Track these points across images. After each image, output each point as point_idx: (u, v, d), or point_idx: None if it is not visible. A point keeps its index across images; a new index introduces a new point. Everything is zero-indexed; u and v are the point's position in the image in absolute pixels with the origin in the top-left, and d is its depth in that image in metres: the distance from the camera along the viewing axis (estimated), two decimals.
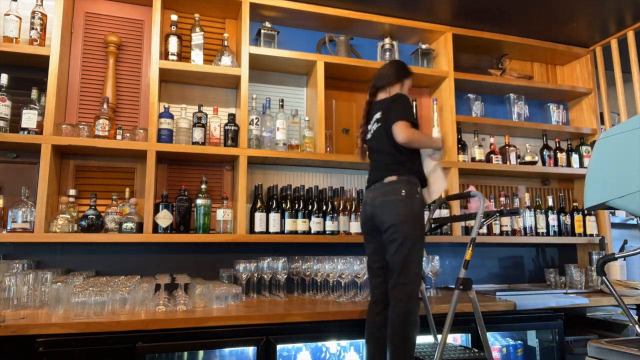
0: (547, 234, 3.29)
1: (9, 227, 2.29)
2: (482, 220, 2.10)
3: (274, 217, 2.67)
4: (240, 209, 2.58)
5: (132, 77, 2.75)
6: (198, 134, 2.63)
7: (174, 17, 2.68)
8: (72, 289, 1.92)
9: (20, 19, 2.44)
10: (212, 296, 2.15)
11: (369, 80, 3.16)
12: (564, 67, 3.80)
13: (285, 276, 2.48)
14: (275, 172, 2.94)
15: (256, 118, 2.76)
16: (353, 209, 2.83)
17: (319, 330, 2.11)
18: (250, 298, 2.47)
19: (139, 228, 2.44)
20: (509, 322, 2.49)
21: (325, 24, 3.07)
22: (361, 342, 2.28)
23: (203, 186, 2.63)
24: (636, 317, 2.49)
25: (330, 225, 2.75)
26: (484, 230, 3.13)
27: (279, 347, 2.05)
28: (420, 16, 3.09)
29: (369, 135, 2.20)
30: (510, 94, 3.48)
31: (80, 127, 2.45)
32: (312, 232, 2.72)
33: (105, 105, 2.53)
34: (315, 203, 2.79)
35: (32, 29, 2.43)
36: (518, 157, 3.34)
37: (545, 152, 3.44)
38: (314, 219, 2.73)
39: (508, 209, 2.59)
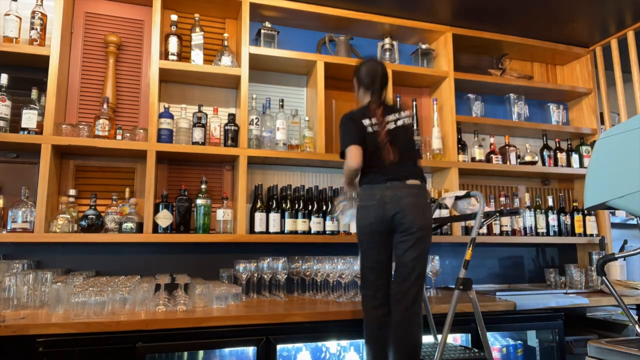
0: (547, 234, 3.29)
1: (9, 227, 2.29)
2: (482, 220, 2.10)
3: (274, 217, 2.67)
4: (240, 209, 2.58)
5: (132, 77, 2.75)
6: (198, 134, 2.63)
7: (174, 17, 2.68)
8: (72, 289, 1.92)
9: (20, 19, 2.44)
10: (212, 296, 2.15)
11: None
12: (564, 67, 3.80)
13: (285, 276, 2.48)
14: (275, 172, 2.94)
15: (256, 118, 2.76)
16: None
17: (319, 330, 2.11)
18: (250, 298, 2.47)
19: (139, 228, 2.44)
20: (509, 322, 2.49)
21: (325, 24, 3.07)
22: (361, 342, 2.28)
23: (203, 186, 2.63)
24: (636, 317, 2.49)
25: (330, 225, 2.75)
26: (484, 230, 3.13)
27: (279, 347, 2.05)
28: (420, 16, 3.09)
29: (390, 126, 2.07)
30: (510, 94, 3.48)
31: (80, 127, 2.45)
32: (312, 232, 2.72)
33: (105, 105, 2.53)
34: (315, 203, 2.79)
35: (32, 29, 2.43)
36: (518, 157, 3.34)
37: (545, 152, 3.44)
38: (314, 219, 2.73)
39: (508, 209, 2.60)
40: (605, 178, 1.61)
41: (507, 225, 3.19)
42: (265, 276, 2.47)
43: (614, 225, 3.56)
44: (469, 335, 2.42)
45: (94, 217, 2.40)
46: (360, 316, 2.08)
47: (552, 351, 2.59)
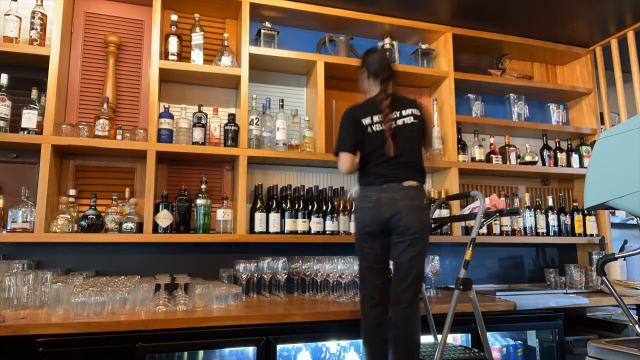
0: (547, 234, 3.29)
1: (9, 227, 2.28)
2: (482, 220, 2.10)
3: (274, 217, 2.67)
4: (240, 209, 2.58)
5: (132, 77, 2.75)
6: (198, 134, 2.63)
7: (174, 17, 2.68)
8: (72, 289, 1.92)
9: (20, 19, 2.44)
10: (212, 296, 2.15)
11: None
12: (564, 67, 3.80)
13: (285, 276, 2.48)
14: (275, 172, 2.94)
15: (256, 118, 2.76)
16: (353, 209, 2.83)
17: (319, 330, 2.11)
18: (250, 298, 2.47)
19: (139, 228, 2.44)
20: (509, 322, 2.49)
21: (325, 24, 3.07)
22: (361, 342, 2.28)
23: (203, 186, 2.63)
24: (636, 317, 2.49)
25: (330, 225, 2.75)
26: (484, 230, 3.13)
27: (279, 347, 2.05)
28: (420, 16, 3.09)
29: (399, 122, 2.05)
30: (510, 94, 3.48)
31: (80, 127, 2.45)
32: (312, 232, 2.72)
33: (105, 105, 2.53)
34: (315, 203, 2.79)
35: (32, 29, 2.43)
36: (518, 157, 3.34)
37: (545, 152, 3.44)
38: (314, 219, 2.73)
39: (508, 209, 2.61)
40: (605, 178, 1.61)
41: (507, 225, 3.19)
42: (265, 276, 2.47)
43: (614, 225, 3.56)
44: (469, 335, 2.42)
45: (94, 217, 2.40)
46: (355, 317, 2.08)
47: (552, 351, 2.59)
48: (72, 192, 2.47)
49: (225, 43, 2.79)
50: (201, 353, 2.18)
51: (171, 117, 2.60)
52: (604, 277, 1.73)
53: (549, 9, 3.03)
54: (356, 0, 2.90)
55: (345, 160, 2.05)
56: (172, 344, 1.90)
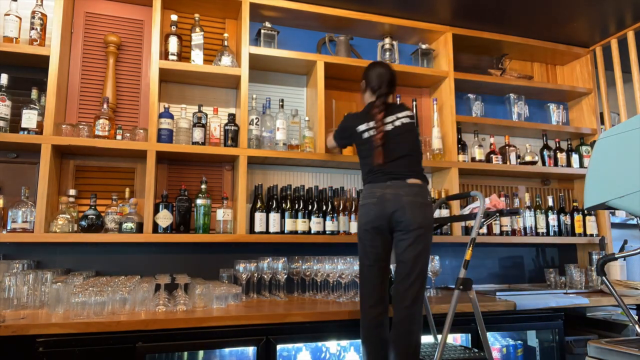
0: (547, 234, 3.29)
1: (9, 227, 2.28)
2: (482, 220, 2.10)
3: (274, 217, 2.67)
4: (240, 209, 2.58)
5: (132, 77, 2.75)
6: (198, 134, 2.63)
7: (174, 17, 2.68)
8: (72, 289, 1.92)
9: (20, 19, 2.44)
10: (212, 296, 2.15)
11: None
12: (564, 67, 3.80)
13: (285, 276, 2.48)
14: (275, 172, 2.94)
15: (256, 118, 2.76)
16: (353, 209, 2.83)
17: (319, 330, 2.11)
18: (250, 298, 2.47)
19: (139, 228, 2.44)
20: (509, 322, 2.49)
21: (325, 24, 3.07)
22: (360, 341, 2.28)
23: (203, 186, 2.63)
24: (636, 317, 2.49)
25: (330, 225, 2.75)
26: (484, 230, 3.13)
27: (279, 347, 2.05)
28: (420, 16, 3.09)
29: (388, 128, 2.11)
30: (510, 94, 3.48)
31: (80, 127, 2.45)
32: (312, 232, 2.72)
33: (105, 105, 2.53)
34: (315, 203, 2.78)
35: (32, 29, 2.43)
36: (518, 157, 3.34)
37: (545, 152, 3.44)
38: (314, 219, 2.73)
39: (508, 209, 2.61)
40: (605, 178, 1.61)
41: (507, 225, 3.19)
42: (265, 276, 2.47)
43: (614, 225, 3.56)
44: (469, 335, 2.42)
45: (94, 217, 2.40)
46: (355, 317, 2.08)
47: (552, 351, 2.59)
48: (72, 192, 2.47)
49: (225, 43, 2.79)
50: (201, 353, 2.18)
51: (171, 117, 2.60)
52: (604, 277, 1.73)
53: (549, 9, 3.03)
54: (356, 0, 2.90)
55: (331, 144, 2.51)
56: (172, 344, 1.90)
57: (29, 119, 2.34)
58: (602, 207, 1.63)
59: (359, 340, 2.06)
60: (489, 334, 2.45)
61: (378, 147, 2.07)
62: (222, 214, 2.60)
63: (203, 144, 2.63)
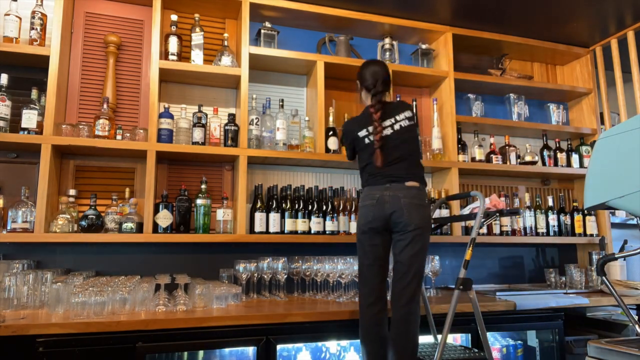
0: (547, 234, 3.29)
1: (9, 227, 2.29)
2: (482, 220, 2.10)
3: (274, 217, 2.67)
4: (240, 209, 2.58)
5: (132, 77, 2.75)
6: (198, 134, 2.63)
7: (174, 17, 2.68)
8: (72, 289, 1.92)
9: (20, 19, 2.44)
10: (212, 296, 2.15)
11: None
12: (564, 67, 3.80)
13: (285, 276, 2.48)
14: (275, 172, 2.94)
15: (256, 118, 2.76)
16: (353, 209, 2.83)
17: (319, 330, 2.11)
18: (250, 298, 2.47)
19: (139, 228, 2.44)
20: (509, 322, 2.49)
21: (325, 24, 3.07)
22: (359, 341, 2.28)
23: (203, 186, 2.63)
24: (636, 317, 2.49)
25: (330, 225, 2.75)
26: (484, 230, 3.13)
27: (279, 347, 2.05)
28: (420, 16, 3.09)
29: (387, 132, 2.09)
30: (510, 94, 3.48)
31: (80, 127, 2.45)
32: (312, 232, 2.72)
33: (105, 105, 2.53)
34: (315, 203, 2.78)
35: (32, 29, 2.43)
36: (518, 157, 3.34)
37: (545, 152, 3.44)
38: (314, 219, 2.73)
39: (508, 209, 2.60)
40: (605, 178, 1.61)
41: (507, 225, 3.20)
42: (265, 276, 2.47)
43: (614, 225, 3.56)
44: (469, 335, 2.42)
45: (94, 217, 2.40)
46: (356, 316, 2.08)
47: (552, 351, 2.59)
48: (72, 192, 2.47)
49: (225, 43, 2.79)
50: (201, 353, 2.18)
51: (171, 117, 2.60)
52: (604, 277, 1.73)
53: (549, 9, 3.03)
54: (356, 0, 2.90)
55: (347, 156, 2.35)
56: (172, 344, 1.90)
57: (29, 119, 2.34)
58: (602, 207, 1.63)
59: (359, 340, 2.06)
60: (489, 334, 2.45)
61: (377, 150, 2.07)
62: (222, 214, 2.60)
63: (203, 144, 2.63)
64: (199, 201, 2.58)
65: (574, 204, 3.49)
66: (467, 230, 3.06)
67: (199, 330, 1.93)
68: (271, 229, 2.66)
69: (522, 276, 3.41)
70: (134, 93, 2.74)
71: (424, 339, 2.27)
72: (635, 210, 1.51)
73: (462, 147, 3.16)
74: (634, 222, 3.59)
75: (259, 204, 2.69)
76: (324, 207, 2.80)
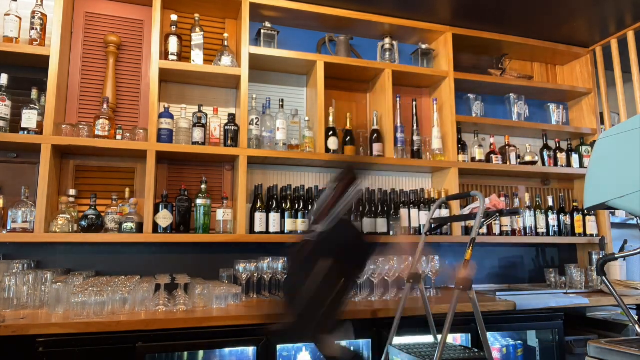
0: (547, 234, 3.29)
1: (9, 227, 2.29)
2: (482, 220, 2.10)
3: (274, 217, 2.67)
4: (240, 209, 2.58)
5: (132, 77, 2.75)
6: (198, 134, 2.63)
7: (174, 17, 2.68)
8: (72, 289, 1.92)
9: (20, 19, 2.44)
10: (212, 296, 2.15)
11: (369, 80, 3.20)
12: (564, 67, 3.80)
13: (286, 276, 2.47)
14: (275, 172, 2.94)
15: (256, 118, 2.76)
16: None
17: None
18: (250, 298, 2.47)
19: (139, 228, 2.44)
20: (509, 322, 2.49)
21: (325, 24, 3.07)
22: (361, 341, 2.28)
23: (203, 186, 2.63)
24: (636, 317, 2.49)
25: None
26: (484, 230, 3.13)
27: (279, 347, 2.05)
28: (420, 16, 3.09)
29: None
30: (510, 94, 3.48)
31: (80, 127, 2.45)
32: None
33: (105, 105, 2.53)
34: (315, 203, 2.78)
35: (32, 29, 2.43)
36: (518, 157, 3.34)
37: (545, 152, 3.44)
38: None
39: (508, 209, 2.58)
40: (605, 178, 1.61)
41: (507, 225, 3.19)
42: (265, 276, 2.47)
43: (614, 225, 3.56)
44: (469, 335, 2.42)
45: (94, 217, 2.40)
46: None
47: (552, 351, 2.59)
48: (72, 192, 2.47)
49: (225, 43, 2.79)
50: (201, 353, 2.17)
51: (171, 117, 2.60)
52: (604, 277, 1.73)
53: (549, 9, 3.03)
54: (356, 0, 2.90)
55: None
56: (172, 344, 1.90)
57: (29, 119, 2.34)
58: (602, 207, 1.63)
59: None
60: (489, 334, 2.45)
61: None
62: (222, 214, 2.60)
63: (203, 144, 2.63)
64: (199, 201, 2.58)
65: (574, 204, 3.49)
66: (467, 231, 3.06)
67: (199, 330, 1.93)
68: (271, 229, 2.66)
69: (522, 276, 3.41)
70: (134, 93, 2.74)
71: (424, 339, 2.27)
72: (635, 210, 1.51)
73: (462, 147, 3.16)
74: (634, 222, 3.59)
75: (259, 204, 2.69)
76: None
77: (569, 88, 3.55)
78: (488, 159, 3.27)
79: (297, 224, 2.71)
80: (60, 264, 2.46)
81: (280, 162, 2.87)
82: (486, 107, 3.47)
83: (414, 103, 3.23)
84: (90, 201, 2.44)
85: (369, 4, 2.94)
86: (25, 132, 2.33)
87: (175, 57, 2.62)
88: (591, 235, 3.35)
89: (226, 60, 2.72)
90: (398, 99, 3.15)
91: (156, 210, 2.48)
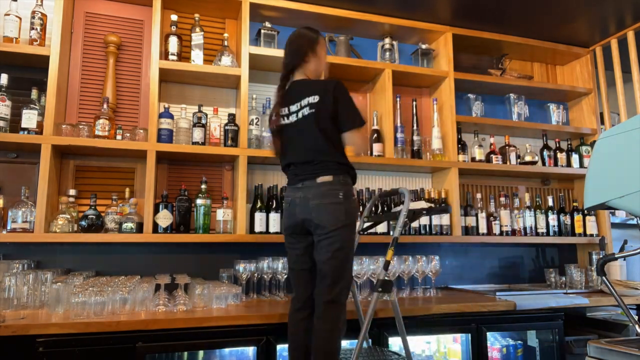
0: (547, 234, 3.29)
1: (9, 227, 2.29)
2: (406, 220, 1.94)
3: (274, 217, 2.67)
4: (240, 209, 2.58)
5: (132, 77, 2.75)
6: (198, 134, 2.63)
7: (174, 17, 2.68)
8: (72, 289, 1.92)
9: (20, 19, 2.44)
10: (212, 296, 2.15)
11: (369, 80, 3.20)
12: (564, 67, 3.80)
13: (285, 276, 2.48)
14: (275, 172, 2.94)
15: (256, 118, 2.76)
16: None
17: None
18: (250, 298, 2.47)
19: (139, 228, 2.44)
20: (509, 322, 2.49)
21: (325, 24, 3.07)
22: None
23: (203, 186, 2.63)
24: (636, 317, 2.49)
25: None
26: (484, 230, 3.12)
27: (279, 347, 2.05)
28: (420, 16, 3.09)
29: (287, 120, 1.92)
30: (510, 94, 3.48)
31: (80, 127, 2.45)
32: None
33: (105, 105, 2.53)
34: None
35: (32, 29, 2.43)
36: (518, 157, 3.34)
37: (545, 152, 3.44)
38: None
39: (437, 206, 2.32)
40: (605, 178, 1.61)
41: (507, 225, 3.19)
42: (265, 276, 2.47)
43: (614, 225, 3.56)
44: (469, 335, 2.42)
45: (94, 217, 2.40)
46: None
47: (552, 351, 2.59)
48: (72, 192, 2.47)
49: (225, 43, 2.79)
50: (201, 353, 2.18)
51: (171, 117, 2.60)
52: (604, 277, 1.73)
53: (549, 9, 3.03)
54: (356, 0, 2.90)
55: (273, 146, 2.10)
56: (172, 344, 1.90)
57: (29, 119, 2.34)
58: (602, 207, 1.63)
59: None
60: (489, 334, 2.46)
61: (274, 139, 1.95)
62: (222, 214, 2.60)
63: (203, 144, 2.63)
64: (199, 201, 2.58)
65: (574, 204, 3.49)
66: (467, 230, 3.05)
67: (199, 330, 1.93)
68: (271, 229, 2.66)
69: (522, 276, 3.41)
70: (134, 93, 2.74)
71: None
72: (635, 210, 1.51)
73: (462, 147, 3.16)
74: (634, 222, 3.59)
75: (259, 204, 2.69)
76: None
77: (569, 88, 3.55)
78: (488, 159, 3.27)
79: None
80: (60, 264, 2.46)
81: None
82: (486, 107, 3.47)
83: (414, 103, 3.23)
84: (90, 201, 2.44)
85: (369, 4, 2.94)
86: (25, 132, 2.33)
87: (175, 57, 2.62)
88: (591, 235, 3.35)
89: (226, 60, 2.72)
90: (398, 99, 3.15)
91: (156, 210, 2.48)
